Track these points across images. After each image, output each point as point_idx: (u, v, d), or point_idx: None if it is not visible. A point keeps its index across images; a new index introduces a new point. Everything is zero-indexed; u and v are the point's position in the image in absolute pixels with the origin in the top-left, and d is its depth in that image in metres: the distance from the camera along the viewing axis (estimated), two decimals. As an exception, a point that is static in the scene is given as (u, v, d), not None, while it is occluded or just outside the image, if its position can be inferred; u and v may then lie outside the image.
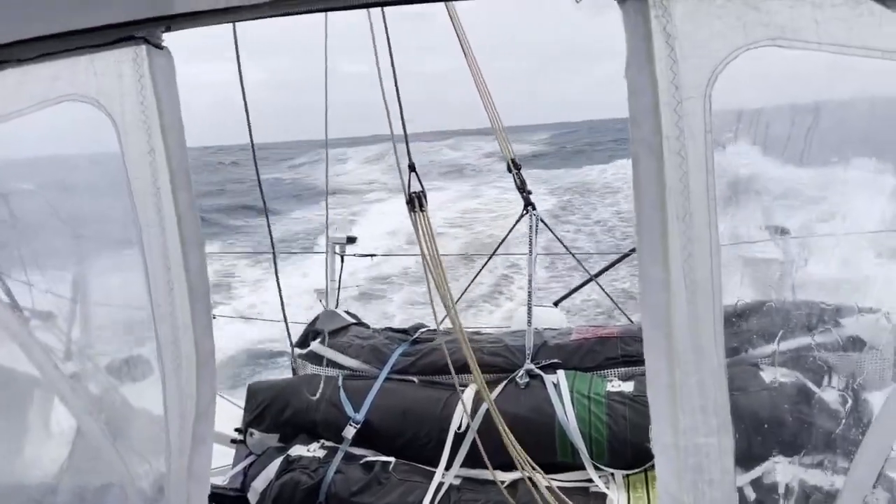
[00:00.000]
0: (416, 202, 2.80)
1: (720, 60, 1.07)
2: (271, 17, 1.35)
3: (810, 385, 1.45)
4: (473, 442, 2.92)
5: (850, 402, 1.34)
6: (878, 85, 1.08)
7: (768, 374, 1.46)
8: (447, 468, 3.00)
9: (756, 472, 1.35)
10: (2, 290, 1.67)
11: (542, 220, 4.08)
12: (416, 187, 2.87)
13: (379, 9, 2.70)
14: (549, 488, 2.73)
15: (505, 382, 3.21)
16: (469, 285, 5.44)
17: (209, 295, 1.55)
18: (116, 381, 1.84)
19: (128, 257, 1.67)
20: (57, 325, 1.88)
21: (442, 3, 3.32)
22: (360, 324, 4.11)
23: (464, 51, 3.81)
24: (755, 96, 1.21)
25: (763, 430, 1.36)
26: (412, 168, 2.93)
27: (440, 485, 2.92)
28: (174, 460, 1.64)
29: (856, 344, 1.31)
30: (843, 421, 1.32)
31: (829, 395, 1.41)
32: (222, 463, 4.12)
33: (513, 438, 2.76)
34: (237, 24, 1.36)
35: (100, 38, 1.35)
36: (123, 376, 1.84)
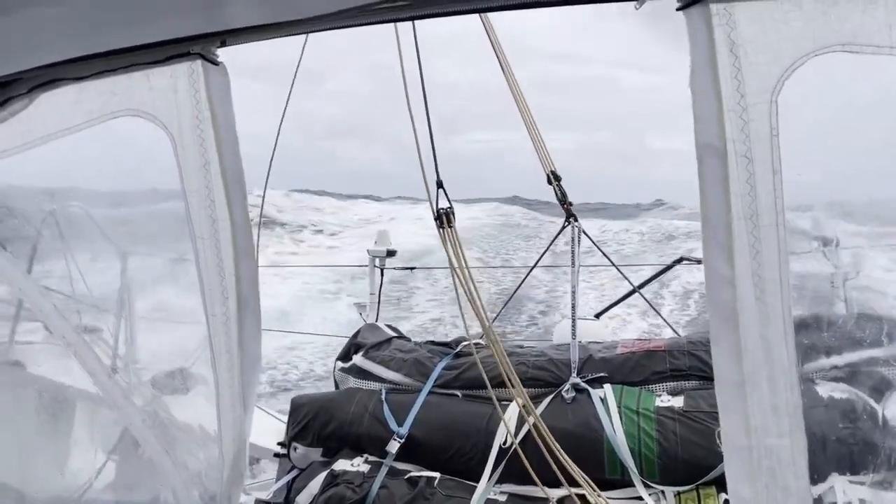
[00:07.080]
0: (444, 219, 2.85)
1: (787, 66, 1.06)
2: (323, 30, 1.35)
3: (869, 401, 1.40)
4: (518, 457, 2.87)
5: None
6: None
7: (824, 390, 1.41)
8: (492, 483, 2.96)
9: (817, 491, 1.31)
10: (50, 305, 1.69)
11: (584, 232, 4.01)
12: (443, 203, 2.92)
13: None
14: None
15: (551, 397, 3.16)
16: (509, 300, 5.39)
17: (259, 304, 1.57)
18: (163, 394, 1.86)
19: (178, 270, 1.69)
20: (103, 339, 1.90)
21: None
22: (401, 337, 4.10)
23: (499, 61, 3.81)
24: (821, 102, 1.19)
25: (822, 448, 1.31)
26: (440, 185, 2.98)
27: (485, 500, 2.87)
28: (227, 468, 1.64)
29: None
30: None
31: (890, 411, 1.37)
32: (265, 477, 4.14)
33: (564, 454, 2.70)
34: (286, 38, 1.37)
35: (155, 54, 1.37)
36: (171, 389, 1.85)
